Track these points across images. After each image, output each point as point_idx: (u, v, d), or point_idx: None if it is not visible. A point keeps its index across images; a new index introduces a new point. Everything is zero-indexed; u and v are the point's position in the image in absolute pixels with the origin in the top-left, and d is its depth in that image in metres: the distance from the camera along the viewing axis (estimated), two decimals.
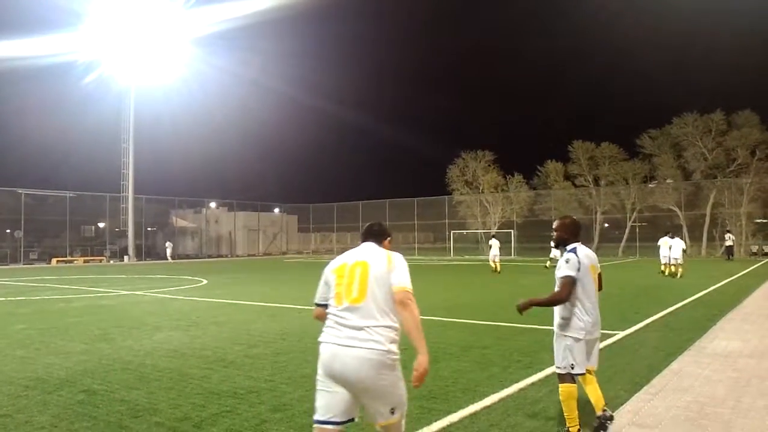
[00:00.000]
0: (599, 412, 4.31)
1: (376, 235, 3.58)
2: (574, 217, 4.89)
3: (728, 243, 33.73)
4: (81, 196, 44.31)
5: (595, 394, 4.34)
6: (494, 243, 25.28)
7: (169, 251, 44.84)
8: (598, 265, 4.63)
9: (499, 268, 24.56)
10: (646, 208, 43.04)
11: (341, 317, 3.19)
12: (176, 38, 43.04)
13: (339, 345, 3.14)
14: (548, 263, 25.91)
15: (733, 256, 33.48)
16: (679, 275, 19.89)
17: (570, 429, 4.32)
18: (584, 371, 4.34)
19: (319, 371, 3.21)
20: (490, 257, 25.24)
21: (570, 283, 4.33)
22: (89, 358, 7.48)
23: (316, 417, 3.18)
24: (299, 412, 5.06)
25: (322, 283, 3.41)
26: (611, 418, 4.34)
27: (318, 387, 3.21)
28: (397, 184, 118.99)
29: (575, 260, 4.38)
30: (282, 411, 5.11)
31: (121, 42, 41.79)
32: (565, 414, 4.38)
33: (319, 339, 3.26)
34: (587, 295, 4.38)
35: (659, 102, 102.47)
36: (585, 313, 4.35)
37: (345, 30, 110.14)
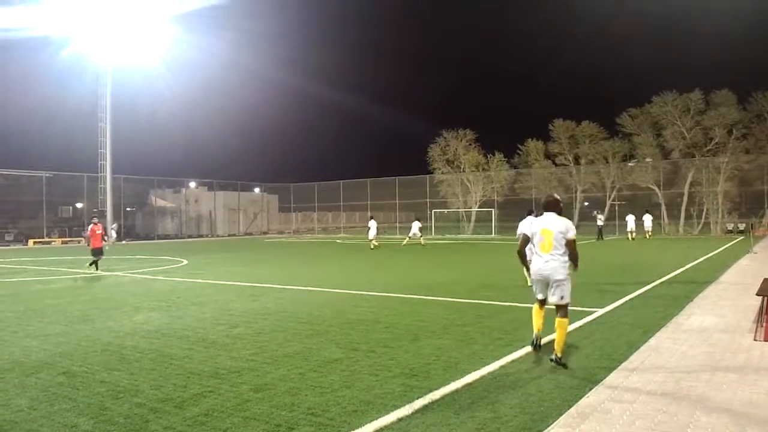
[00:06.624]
0: (536, 332, 6.30)
1: (552, 208, 6.17)
2: (549, 195, 6.45)
3: (599, 223, 33.88)
4: (57, 176, 43.49)
5: (538, 320, 6.27)
6: (414, 225, 29.99)
7: (113, 231, 41.51)
8: (556, 229, 6.00)
9: (411, 243, 28.98)
10: (626, 186, 43.50)
11: (542, 255, 6.03)
12: (155, 15, 42.08)
13: (542, 267, 6.02)
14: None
15: (602, 237, 33.34)
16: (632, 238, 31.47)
17: (534, 330, 6.31)
18: (538, 298, 6.24)
19: (533, 276, 6.20)
20: (412, 235, 29.69)
21: (521, 239, 6.54)
22: (68, 340, 7.41)
23: (537, 297, 6.22)
24: (281, 392, 5.07)
25: (529, 231, 6.22)
26: (539, 339, 6.29)
27: (534, 280, 6.22)
28: (379, 163, 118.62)
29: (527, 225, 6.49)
30: (264, 390, 5.11)
31: (98, 16, 40.74)
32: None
33: (531, 264, 6.23)
34: (533, 249, 6.20)
35: (639, 81, 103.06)
36: (533, 261, 6.24)
37: (327, 8, 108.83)
